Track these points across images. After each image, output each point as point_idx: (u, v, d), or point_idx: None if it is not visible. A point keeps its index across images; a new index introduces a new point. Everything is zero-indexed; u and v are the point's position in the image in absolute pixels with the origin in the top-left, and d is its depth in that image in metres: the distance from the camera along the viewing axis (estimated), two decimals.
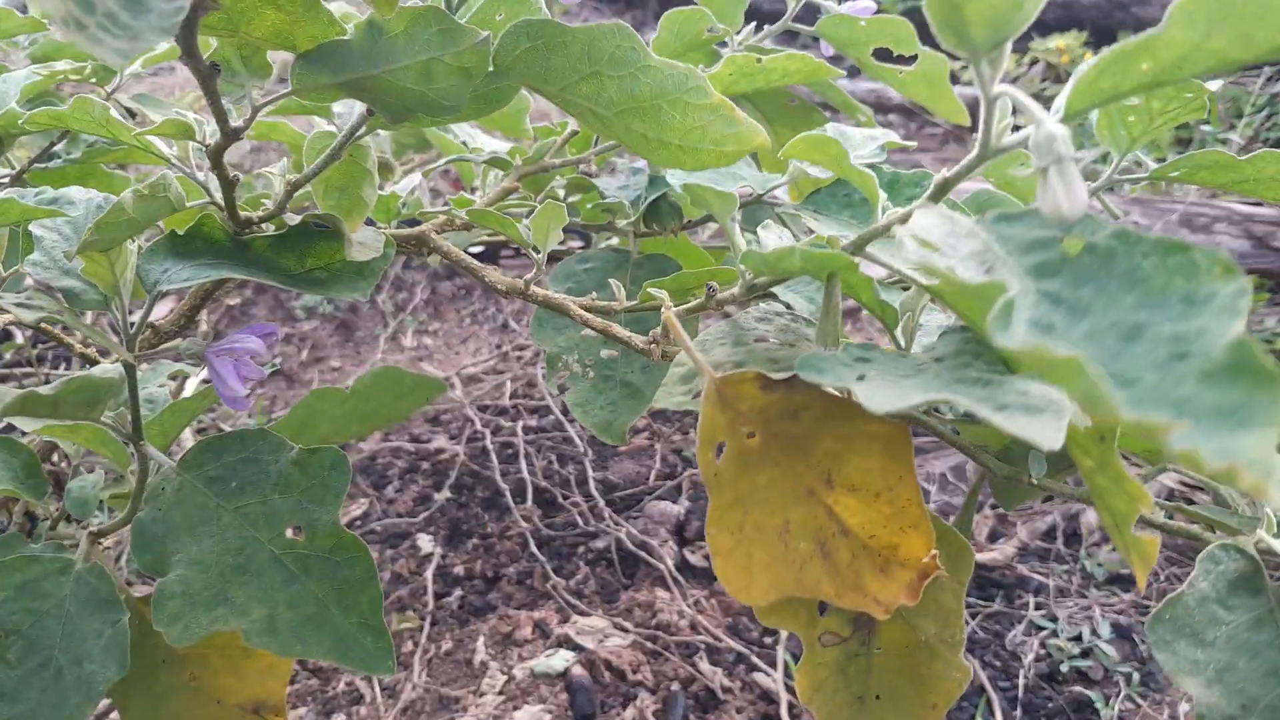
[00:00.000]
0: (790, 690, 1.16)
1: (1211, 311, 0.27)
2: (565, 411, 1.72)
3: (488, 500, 1.53)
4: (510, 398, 1.78)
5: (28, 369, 1.42)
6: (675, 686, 1.19)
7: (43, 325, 0.66)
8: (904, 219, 0.39)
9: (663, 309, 0.47)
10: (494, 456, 1.59)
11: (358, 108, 0.51)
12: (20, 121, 0.58)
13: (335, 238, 0.62)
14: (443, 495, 1.54)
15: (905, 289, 0.52)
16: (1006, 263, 0.31)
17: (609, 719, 1.15)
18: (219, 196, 0.55)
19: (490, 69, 0.47)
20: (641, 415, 0.65)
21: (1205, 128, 2.20)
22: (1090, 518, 1.39)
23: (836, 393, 0.41)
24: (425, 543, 1.47)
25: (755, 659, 1.20)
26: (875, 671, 0.45)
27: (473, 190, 0.82)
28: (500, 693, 1.22)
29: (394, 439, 1.69)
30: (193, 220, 0.61)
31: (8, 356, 1.59)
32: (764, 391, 0.40)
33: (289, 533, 0.59)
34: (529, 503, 1.50)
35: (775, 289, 0.58)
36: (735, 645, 1.22)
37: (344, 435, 0.82)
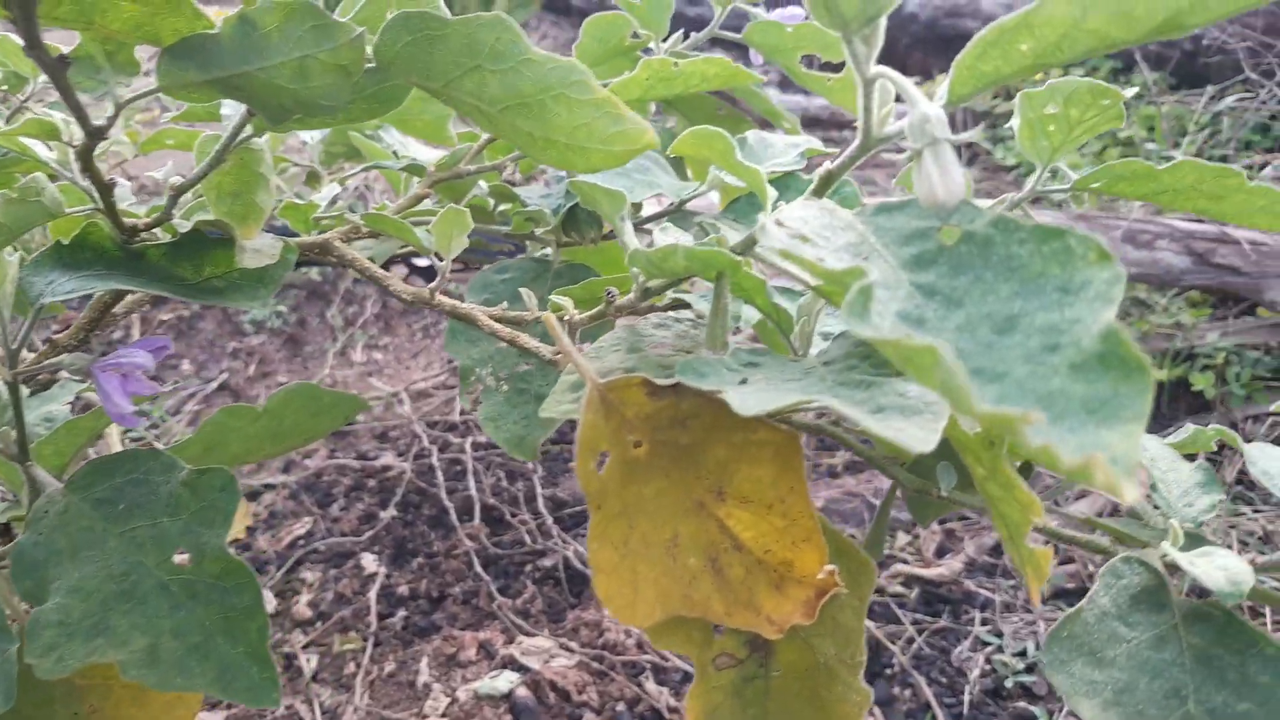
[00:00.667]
0: None
1: (1086, 299, 0.26)
2: None
3: (434, 518, 1.49)
4: (460, 413, 1.75)
5: None
6: (621, 707, 1.17)
7: None
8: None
9: (545, 314, 0.44)
10: (440, 474, 1.56)
11: (241, 109, 0.49)
12: None
13: (232, 245, 0.59)
14: (388, 513, 1.50)
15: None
16: (883, 255, 0.30)
17: None
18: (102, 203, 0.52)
19: (373, 65, 0.45)
20: (555, 430, 0.63)
21: (1150, 145, 2.22)
22: None
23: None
24: (369, 562, 1.43)
25: None
26: (773, 695, 0.43)
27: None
28: (443, 715, 1.19)
29: (340, 456, 1.65)
30: (78, 229, 0.58)
31: None
32: (651, 398, 0.38)
33: (176, 558, 0.56)
34: (476, 521, 1.47)
35: (689, 297, 0.56)
36: (682, 665, 1.20)
37: (257, 455, 0.78)
